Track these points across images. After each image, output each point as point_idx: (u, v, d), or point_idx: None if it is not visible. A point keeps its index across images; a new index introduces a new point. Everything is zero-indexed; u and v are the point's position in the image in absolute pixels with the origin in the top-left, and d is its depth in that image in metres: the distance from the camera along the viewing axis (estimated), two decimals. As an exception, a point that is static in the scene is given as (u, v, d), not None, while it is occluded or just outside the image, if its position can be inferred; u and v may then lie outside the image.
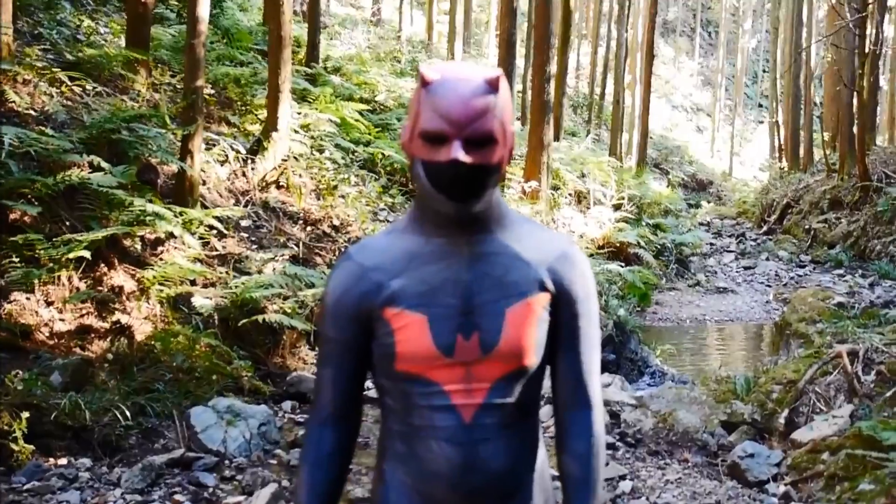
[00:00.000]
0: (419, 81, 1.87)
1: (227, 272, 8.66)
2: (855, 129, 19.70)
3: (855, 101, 19.75)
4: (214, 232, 9.05)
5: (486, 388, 1.91)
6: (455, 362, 1.90)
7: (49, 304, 6.98)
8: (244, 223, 9.90)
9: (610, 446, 6.99)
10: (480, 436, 1.92)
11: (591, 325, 2.03)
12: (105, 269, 7.56)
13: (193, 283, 8.19)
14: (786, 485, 6.13)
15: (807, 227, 21.14)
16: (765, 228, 23.78)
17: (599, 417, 2.04)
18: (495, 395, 1.92)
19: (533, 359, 1.94)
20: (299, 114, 12.56)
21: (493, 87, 1.84)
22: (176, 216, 8.19)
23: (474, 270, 1.92)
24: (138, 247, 8.07)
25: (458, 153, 1.79)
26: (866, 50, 18.56)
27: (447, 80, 1.83)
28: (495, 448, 1.92)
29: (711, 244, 22.48)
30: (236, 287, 8.21)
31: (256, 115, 12.15)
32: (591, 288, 2.03)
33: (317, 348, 2.13)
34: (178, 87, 10.65)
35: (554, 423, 2.09)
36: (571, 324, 2.00)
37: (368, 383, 2.12)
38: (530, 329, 1.92)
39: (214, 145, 10.49)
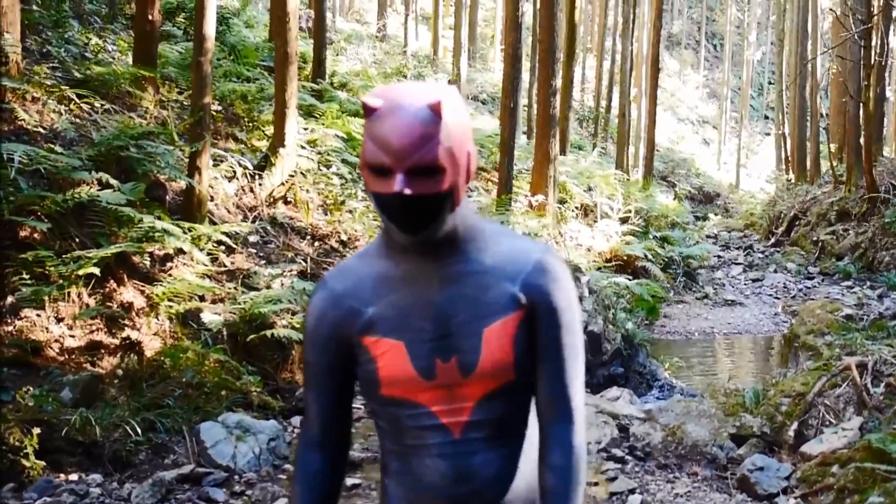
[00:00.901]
0: (363, 110, 1.81)
1: (235, 288, 8.69)
2: (861, 140, 19.68)
3: (861, 112, 19.74)
4: (223, 248, 9.08)
5: (470, 407, 1.92)
6: (436, 385, 1.91)
7: (59, 320, 7.01)
8: (252, 239, 9.93)
9: (619, 460, 6.99)
10: (470, 448, 1.93)
11: (571, 334, 1.97)
12: (114, 286, 7.59)
13: (202, 298, 8.22)
14: (796, 498, 6.12)
15: (814, 238, 21.10)
16: (772, 240, 23.73)
17: (580, 430, 1.98)
18: (480, 412, 1.92)
19: (513, 376, 1.92)
20: (306, 129, 12.60)
21: (436, 112, 1.77)
22: (184, 232, 8.23)
23: (447, 293, 1.91)
24: (147, 263, 8.10)
25: (401, 186, 1.74)
26: (872, 61, 18.56)
27: (387, 110, 1.76)
28: (485, 458, 1.93)
29: (719, 257, 22.45)
30: (245, 302, 8.24)
31: (263, 131, 12.20)
32: (568, 296, 1.97)
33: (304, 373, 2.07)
34: (186, 103, 10.70)
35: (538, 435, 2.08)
36: (549, 335, 1.95)
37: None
38: (509, 348, 1.90)
39: (222, 161, 10.53)
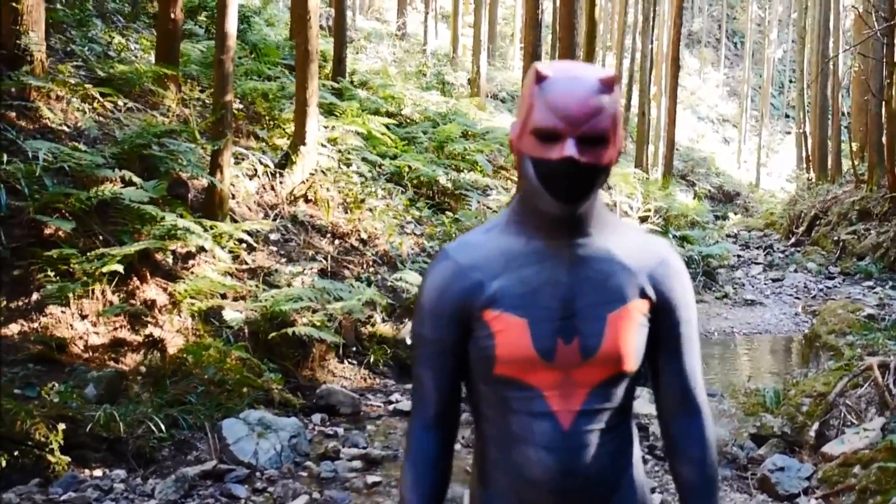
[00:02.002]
0: (532, 77, 1.83)
1: (256, 285, 8.74)
2: (884, 139, 19.55)
3: (883, 110, 19.62)
4: (244, 245, 9.14)
5: (584, 394, 1.89)
6: (554, 367, 1.87)
7: (83, 317, 7.08)
8: (273, 237, 9.98)
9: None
10: (579, 442, 1.89)
11: (693, 330, 2.02)
12: (138, 283, 7.65)
13: (224, 296, 8.27)
14: (817, 499, 6.10)
15: (835, 238, 20.97)
16: (793, 240, 23.60)
17: (710, 423, 2.03)
18: (594, 400, 1.89)
19: (632, 364, 1.91)
20: (326, 127, 12.65)
21: (607, 86, 1.81)
22: (206, 230, 8.28)
23: (575, 274, 1.89)
24: (170, 261, 8.16)
25: (573, 151, 1.75)
26: (894, 59, 18.44)
27: (562, 78, 1.80)
28: (593, 454, 1.90)
29: (739, 256, 22.34)
30: (266, 300, 8.29)
31: (284, 129, 12.25)
32: (690, 295, 2.01)
33: (412, 351, 2.02)
34: (208, 102, 10.76)
35: (661, 429, 2.09)
36: (674, 330, 1.98)
37: None
38: (630, 335, 1.90)
39: (243, 159, 10.59)
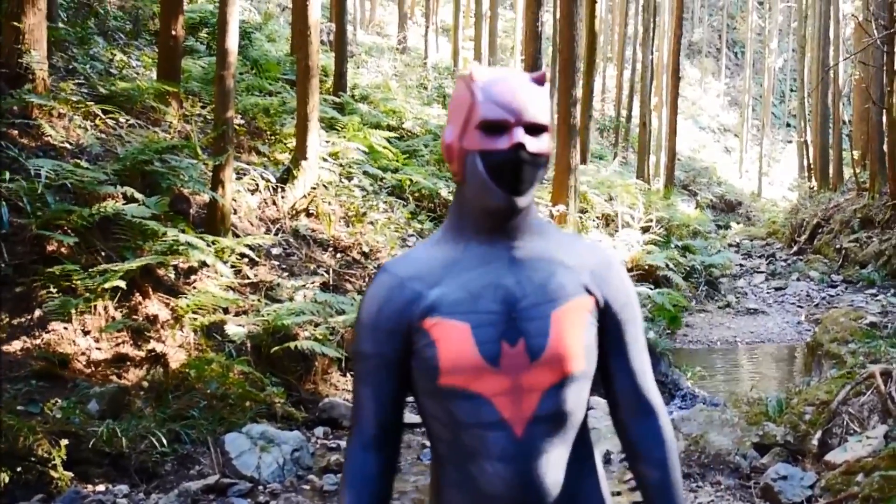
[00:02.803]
0: (468, 79, 1.91)
1: (258, 300, 8.76)
2: (885, 147, 19.57)
3: (884, 118, 19.64)
4: (246, 260, 9.16)
5: (536, 399, 1.84)
6: (501, 372, 1.83)
7: (86, 333, 7.09)
8: (275, 251, 10.00)
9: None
10: (534, 450, 1.84)
11: (639, 328, 2.01)
12: (140, 299, 7.67)
13: (226, 311, 8.29)
14: (820, 506, 6.09)
15: (838, 246, 20.98)
16: (795, 248, 23.61)
17: (667, 421, 2.01)
18: (546, 405, 1.85)
19: (583, 364, 1.88)
20: (328, 142, 12.69)
21: (539, 82, 1.90)
22: (208, 245, 8.30)
23: (516, 275, 1.89)
24: (172, 276, 8.18)
25: (523, 138, 1.82)
26: (895, 67, 18.47)
27: (499, 76, 1.88)
28: (550, 462, 1.86)
29: (741, 265, 22.36)
30: (268, 314, 8.30)
31: (286, 144, 12.29)
32: (633, 294, 2.01)
33: (353, 369, 1.96)
34: (209, 117, 10.81)
35: (618, 434, 2.05)
36: (620, 329, 1.97)
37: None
38: (577, 332, 1.88)
39: (245, 174, 10.62)
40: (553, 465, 1.87)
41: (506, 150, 1.83)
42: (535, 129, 1.86)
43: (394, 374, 1.92)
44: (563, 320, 1.87)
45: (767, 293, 18.92)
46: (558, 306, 1.88)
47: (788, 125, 57.78)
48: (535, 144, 1.85)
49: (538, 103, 1.87)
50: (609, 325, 1.97)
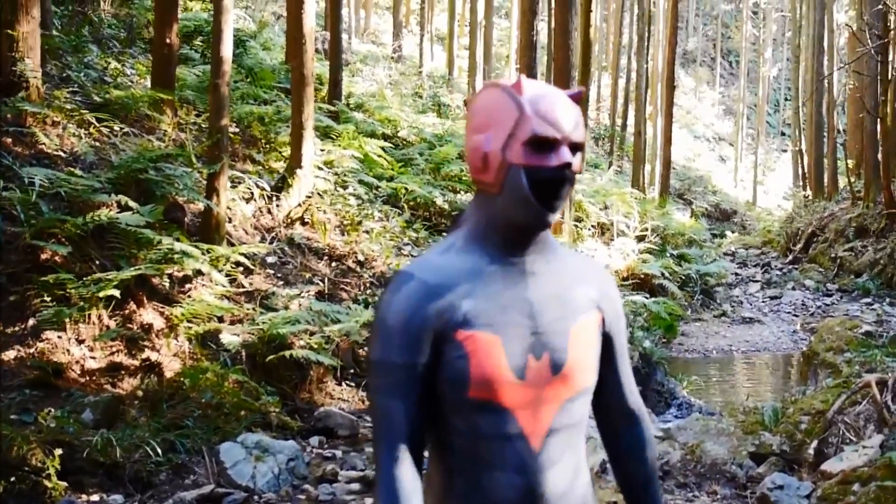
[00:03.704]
0: (512, 90, 1.88)
1: (253, 308, 8.73)
2: (879, 156, 19.63)
3: (879, 127, 19.69)
4: (241, 269, 9.14)
5: (553, 412, 1.88)
6: (526, 385, 1.85)
7: (80, 342, 7.07)
8: (270, 260, 9.98)
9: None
10: (547, 463, 1.88)
11: (625, 340, 2.11)
12: (134, 307, 7.65)
13: (221, 319, 8.26)
14: (816, 516, 6.08)
15: (833, 255, 21.01)
16: (790, 257, 23.64)
17: (649, 423, 2.15)
18: (561, 418, 1.90)
19: (593, 377, 1.97)
20: (323, 150, 12.67)
21: (576, 100, 1.92)
22: (203, 254, 8.28)
23: (537, 289, 1.92)
24: (166, 285, 8.16)
25: (570, 157, 1.84)
26: (889, 76, 18.53)
27: (545, 92, 1.88)
28: (558, 472, 1.91)
29: (737, 274, 22.37)
30: (263, 323, 8.27)
31: (280, 152, 12.28)
32: (622, 306, 2.11)
33: (373, 379, 1.87)
34: (204, 126, 10.79)
35: (605, 439, 2.15)
36: (613, 342, 2.06)
37: None
38: (590, 348, 1.96)
39: (240, 183, 10.60)
40: (562, 476, 1.92)
41: (553, 167, 1.83)
42: (575, 148, 1.87)
43: (422, 384, 1.85)
44: (579, 336, 1.94)
45: (763, 302, 18.93)
46: (575, 322, 1.94)
47: (783, 134, 57.94)
48: (577, 163, 1.87)
49: (580, 122, 1.88)
50: (608, 337, 2.05)
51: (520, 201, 1.85)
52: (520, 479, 1.86)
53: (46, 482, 5.64)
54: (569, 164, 1.82)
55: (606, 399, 2.09)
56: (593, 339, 1.97)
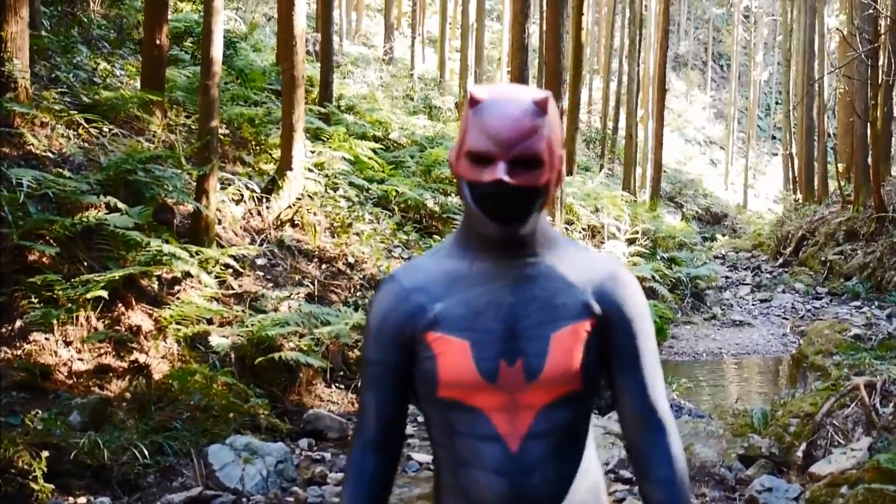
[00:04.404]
0: (468, 101, 1.86)
1: (243, 311, 8.71)
2: (869, 160, 19.68)
3: (869, 131, 19.74)
4: (230, 271, 9.11)
5: (531, 416, 1.86)
6: (498, 389, 1.85)
7: (68, 343, 7.04)
8: (260, 262, 9.96)
9: (627, 481, 6.96)
10: (528, 465, 1.86)
11: (649, 342, 1.96)
12: (123, 309, 7.62)
13: (210, 321, 8.24)
14: (805, 518, 6.08)
15: (823, 258, 21.05)
16: (780, 261, 23.68)
17: (677, 439, 1.95)
18: (541, 422, 1.86)
19: (579, 384, 1.88)
20: (313, 152, 12.65)
21: (541, 108, 1.82)
22: (192, 256, 8.25)
23: (519, 294, 1.88)
24: (155, 286, 8.13)
25: (502, 174, 1.76)
26: (879, 80, 18.58)
27: (495, 100, 1.81)
28: (544, 476, 1.87)
29: (727, 277, 22.39)
30: (252, 325, 8.25)
31: (271, 154, 12.25)
32: (642, 307, 1.96)
33: (360, 372, 2.18)
34: (193, 127, 10.76)
35: (626, 450, 2.03)
36: (628, 344, 1.93)
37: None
38: (576, 354, 1.86)
39: (229, 185, 10.58)
40: (549, 481, 1.88)
41: (485, 182, 1.80)
42: (527, 162, 1.80)
43: (395, 380, 1.96)
44: (563, 342, 1.87)
45: (753, 305, 18.95)
46: (559, 328, 1.88)
47: (774, 138, 58.07)
48: (523, 178, 1.79)
49: (533, 134, 1.80)
50: (615, 341, 1.93)
51: (472, 213, 1.86)
52: (499, 480, 1.85)
53: (33, 484, 5.61)
54: (500, 181, 1.76)
55: (621, 404, 1.96)
56: (583, 346, 1.87)
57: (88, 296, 7.07)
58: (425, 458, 7.41)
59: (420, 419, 8.66)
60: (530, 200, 1.82)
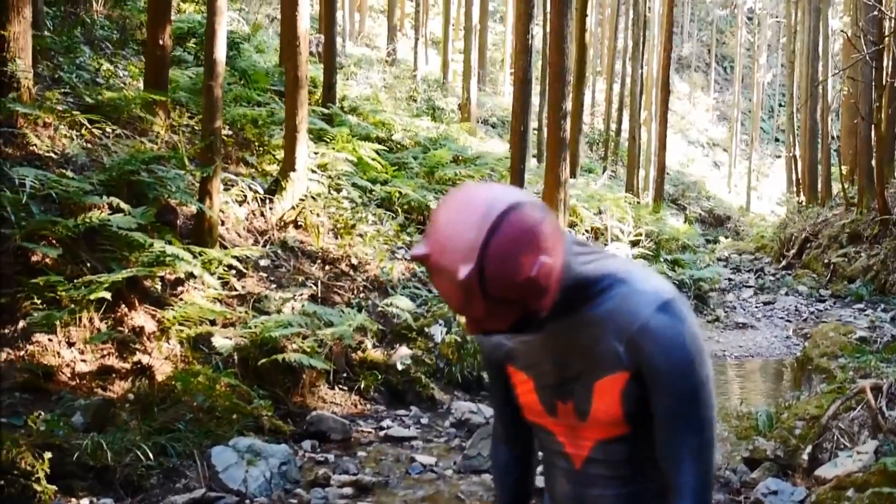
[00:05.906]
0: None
1: (246, 312, 8.69)
2: (873, 162, 19.65)
3: (873, 133, 19.72)
4: (234, 272, 9.09)
5: (589, 446, 1.98)
6: (559, 420, 2.00)
7: (70, 345, 7.02)
8: (263, 263, 9.94)
9: None
10: (588, 481, 2.00)
11: (683, 403, 1.81)
12: (126, 310, 7.60)
13: (213, 323, 8.22)
14: (811, 522, 6.05)
15: (826, 261, 21.02)
16: (783, 263, 23.66)
17: None
18: (599, 451, 1.97)
19: (625, 429, 1.88)
20: (316, 154, 12.64)
21: (470, 282, 1.63)
22: (195, 257, 8.24)
23: (561, 343, 1.91)
24: (158, 287, 8.11)
25: (473, 332, 1.77)
26: (883, 82, 18.55)
27: (433, 264, 1.67)
28: (604, 493, 1.99)
29: (730, 279, 22.37)
30: (256, 327, 8.24)
31: (274, 155, 12.24)
32: (676, 361, 1.79)
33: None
34: (197, 128, 10.74)
35: None
36: (658, 402, 1.82)
37: None
38: (617, 403, 1.85)
39: (233, 186, 10.56)
40: (606, 497, 1.99)
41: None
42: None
43: (504, 390, 2.22)
44: (604, 391, 1.88)
45: (756, 307, 18.92)
46: (601, 377, 1.88)
47: (777, 140, 58.06)
48: (495, 323, 1.73)
49: (471, 300, 1.66)
50: (651, 396, 1.84)
51: None
52: (567, 486, 2.06)
53: (36, 486, 5.59)
54: (469, 332, 1.78)
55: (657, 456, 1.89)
56: (622, 395, 1.84)
57: (91, 297, 7.05)
58: (429, 459, 7.40)
59: (423, 421, 8.66)
60: (523, 323, 1.76)
